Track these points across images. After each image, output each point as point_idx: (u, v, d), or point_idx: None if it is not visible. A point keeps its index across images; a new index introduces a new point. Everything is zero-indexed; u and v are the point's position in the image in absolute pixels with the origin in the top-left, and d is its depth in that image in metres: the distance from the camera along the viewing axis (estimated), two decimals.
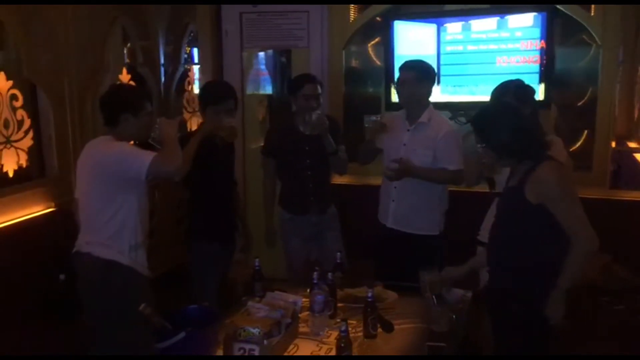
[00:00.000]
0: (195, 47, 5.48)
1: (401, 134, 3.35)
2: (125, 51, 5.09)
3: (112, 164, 2.64)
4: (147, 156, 2.58)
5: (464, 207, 3.37)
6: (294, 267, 3.70)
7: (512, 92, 3.01)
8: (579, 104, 5.08)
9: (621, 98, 5.08)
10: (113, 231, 2.69)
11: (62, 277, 3.43)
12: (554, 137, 3.03)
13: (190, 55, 5.78)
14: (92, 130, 4.05)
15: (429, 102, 3.34)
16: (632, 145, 5.86)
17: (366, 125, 3.32)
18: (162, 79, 5.01)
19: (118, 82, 4.25)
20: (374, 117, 3.34)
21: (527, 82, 4.01)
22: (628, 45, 4.72)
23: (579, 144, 4.81)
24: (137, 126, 2.74)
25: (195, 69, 5.63)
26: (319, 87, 3.48)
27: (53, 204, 3.75)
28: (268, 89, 5.43)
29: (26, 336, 3.18)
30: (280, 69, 5.68)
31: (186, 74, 5.50)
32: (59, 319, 3.27)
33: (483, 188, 3.28)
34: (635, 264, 3.67)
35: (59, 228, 3.67)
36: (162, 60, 5.00)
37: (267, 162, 3.71)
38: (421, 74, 3.28)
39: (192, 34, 5.34)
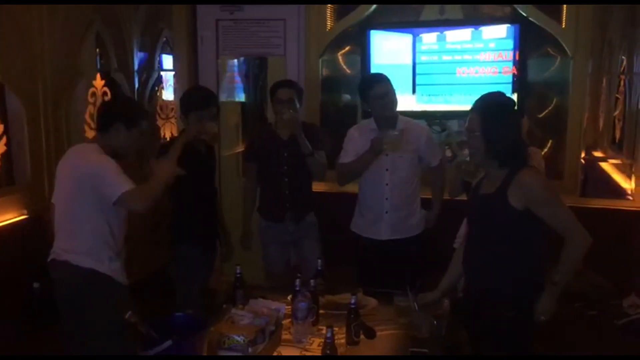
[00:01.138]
0: (165, 53, 5.46)
1: None
2: (98, 57, 5.03)
3: (91, 177, 2.61)
4: (125, 184, 2.56)
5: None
6: (273, 273, 3.71)
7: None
8: (547, 114, 5.21)
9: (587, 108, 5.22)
10: (92, 241, 2.67)
11: (36, 285, 3.36)
12: (533, 148, 3.11)
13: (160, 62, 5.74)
14: (66, 136, 4.00)
15: (397, 111, 3.40)
16: (597, 154, 6.03)
17: (386, 140, 3.19)
18: (136, 85, 4.97)
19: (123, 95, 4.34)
20: (393, 132, 3.23)
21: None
22: (594, 57, 4.85)
23: (549, 153, 4.93)
24: (126, 139, 2.73)
25: (165, 75, 5.61)
26: (293, 92, 3.51)
27: (26, 212, 3.68)
28: (241, 97, 5.43)
29: (0, 345, 3.11)
30: (253, 77, 5.68)
31: (159, 80, 5.46)
32: (34, 327, 3.20)
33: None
34: (607, 270, 3.77)
35: (33, 236, 3.60)
36: (136, 66, 4.96)
37: (249, 167, 3.75)
38: (390, 82, 3.32)
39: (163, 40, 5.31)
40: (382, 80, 3.31)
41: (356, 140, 3.35)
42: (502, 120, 2.47)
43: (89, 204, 2.64)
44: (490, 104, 2.53)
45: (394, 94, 3.32)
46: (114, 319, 2.58)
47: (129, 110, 2.82)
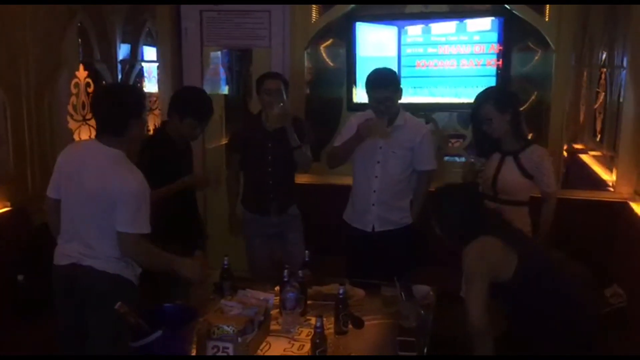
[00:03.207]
0: (147, 45, 5.41)
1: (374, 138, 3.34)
2: (81, 47, 4.97)
3: (122, 195, 2.43)
4: (137, 226, 2.43)
5: None
6: (257, 266, 3.71)
7: (492, 98, 3.08)
8: (528, 107, 5.26)
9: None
10: (118, 250, 2.52)
11: (20, 277, 3.33)
12: (538, 148, 3.12)
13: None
14: (49, 128, 3.96)
15: (399, 105, 3.38)
16: (578, 147, 6.11)
17: (371, 125, 3.19)
18: (119, 76, 4.93)
19: (110, 84, 4.28)
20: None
21: (484, 84, 4.17)
22: (576, 50, 4.91)
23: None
24: (140, 128, 2.61)
25: (147, 67, 5.57)
26: (280, 83, 3.51)
27: (9, 204, 3.64)
28: (224, 89, 5.41)
29: None
30: (236, 69, 5.66)
31: (142, 71, 5.42)
32: (19, 319, 3.17)
33: None
34: (588, 259, 3.81)
35: (16, 228, 3.57)
36: (119, 57, 4.91)
37: (231, 158, 3.76)
38: (397, 86, 3.30)
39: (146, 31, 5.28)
40: (384, 84, 3.25)
41: (352, 127, 3.33)
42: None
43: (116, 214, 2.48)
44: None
45: (396, 96, 3.28)
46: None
47: (134, 100, 2.60)
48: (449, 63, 4.26)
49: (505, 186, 3.06)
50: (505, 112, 3.02)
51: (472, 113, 3.15)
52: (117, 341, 2.41)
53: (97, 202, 2.46)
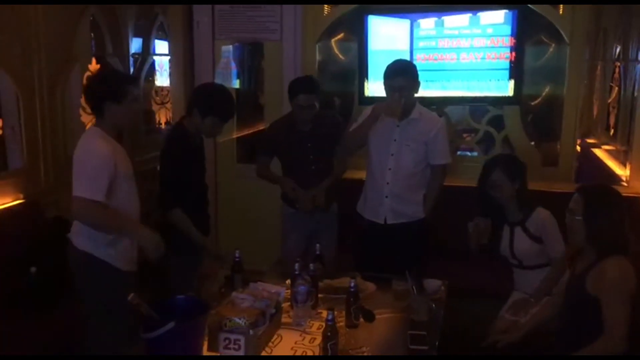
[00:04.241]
0: (158, 39, 5.42)
1: (389, 129, 3.31)
2: (93, 41, 4.99)
3: (74, 162, 2.67)
4: (83, 189, 2.58)
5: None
6: (286, 262, 3.66)
7: (503, 165, 3.06)
8: (542, 101, 5.23)
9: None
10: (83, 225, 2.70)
11: (33, 269, 3.35)
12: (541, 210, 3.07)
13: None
14: (62, 121, 3.98)
15: (415, 98, 3.35)
16: (591, 141, 6.06)
17: (384, 105, 3.22)
18: (131, 69, 4.94)
19: (101, 70, 4.18)
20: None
21: (497, 78, 4.15)
22: (590, 44, 4.87)
23: (544, 140, 4.96)
24: (122, 113, 2.72)
25: (158, 60, 5.58)
26: (314, 98, 3.44)
27: (22, 196, 3.67)
28: (235, 83, 5.41)
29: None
30: (248, 63, 5.66)
31: (154, 65, 5.44)
32: (32, 311, 3.19)
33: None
34: None
35: (29, 221, 3.60)
36: (131, 50, 4.93)
37: (261, 161, 3.74)
38: (413, 76, 3.28)
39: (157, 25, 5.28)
40: (401, 73, 3.24)
41: (367, 113, 3.35)
42: (607, 208, 2.41)
43: None
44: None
45: (413, 88, 3.27)
46: (111, 302, 2.62)
47: (111, 84, 2.75)
48: (462, 56, 4.24)
49: (523, 255, 3.05)
50: (515, 180, 3.02)
51: (480, 176, 3.12)
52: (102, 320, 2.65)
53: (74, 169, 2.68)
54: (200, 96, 3.25)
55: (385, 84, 3.27)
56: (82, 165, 2.63)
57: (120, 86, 2.73)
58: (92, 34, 4.60)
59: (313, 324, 2.61)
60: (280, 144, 3.65)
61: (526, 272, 3.06)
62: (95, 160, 2.63)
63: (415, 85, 3.30)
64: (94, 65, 4.41)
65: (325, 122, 3.58)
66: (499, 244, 3.11)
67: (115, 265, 2.75)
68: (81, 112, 4.25)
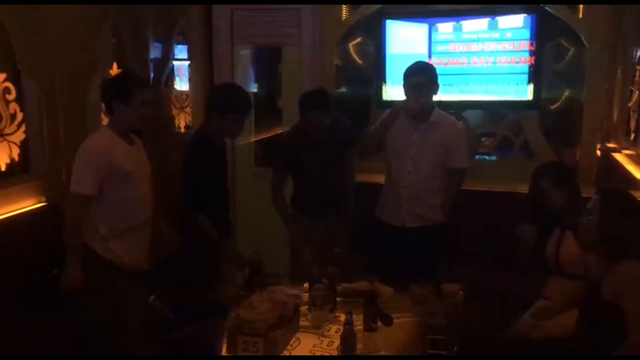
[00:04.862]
0: (177, 43, 5.45)
1: (408, 132, 3.33)
2: (113, 46, 5.04)
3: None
4: (76, 185, 2.74)
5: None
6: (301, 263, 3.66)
7: (549, 172, 3.05)
8: (561, 105, 5.19)
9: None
10: (90, 221, 2.82)
11: (55, 271, 3.39)
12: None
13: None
14: (84, 125, 4.02)
15: (434, 102, 3.36)
16: (611, 145, 6.00)
17: (403, 103, 3.28)
18: (151, 75, 4.98)
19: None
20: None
21: (516, 82, 4.13)
22: (609, 47, 4.82)
23: (564, 144, 4.92)
24: (130, 114, 2.81)
25: (177, 65, 5.61)
26: (325, 113, 3.39)
27: (44, 199, 3.72)
28: (253, 87, 5.44)
29: (20, 331, 3.15)
30: (266, 67, 5.68)
31: (173, 70, 5.46)
32: (55, 314, 3.23)
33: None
34: None
35: (51, 223, 3.64)
36: (151, 56, 4.96)
37: (279, 177, 3.64)
38: (432, 76, 3.30)
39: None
40: (420, 72, 3.28)
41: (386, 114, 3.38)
42: (623, 212, 2.40)
43: None
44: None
45: (432, 89, 3.29)
46: (111, 302, 2.72)
47: (118, 84, 2.89)
48: (480, 60, 4.23)
49: (567, 260, 3.01)
50: (562, 186, 2.98)
51: (530, 187, 3.11)
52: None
53: None
54: (214, 98, 3.32)
55: (404, 83, 3.29)
56: (78, 161, 2.77)
57: (127, 87, 2.81)
58: (113, 39, 4.65)
59: (331, 327, 2.62)
60: (295, 153, 3.58)
61: (563, 281, 2.98)
62: (85, 154, 2.77)
63: (434, 85, 3.30)
64: (115, 70, 4.46)
65: (338, 127, 3.52)
66: (544, 248, 3.06)
67: (114, 262, 2.83)
68: (102, 116, 4.29)
